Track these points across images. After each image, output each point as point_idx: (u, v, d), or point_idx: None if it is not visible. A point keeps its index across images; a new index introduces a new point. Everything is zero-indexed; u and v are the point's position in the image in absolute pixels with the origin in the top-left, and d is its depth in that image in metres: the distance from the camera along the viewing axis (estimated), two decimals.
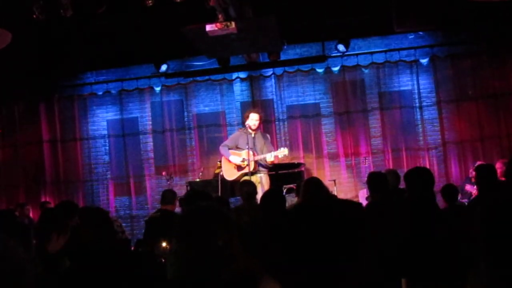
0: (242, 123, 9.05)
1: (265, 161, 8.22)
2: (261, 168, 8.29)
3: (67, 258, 3.49)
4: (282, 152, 8.03)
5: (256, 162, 8.14)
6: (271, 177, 8.42)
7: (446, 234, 3.89)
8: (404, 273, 3.67)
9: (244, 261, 2.07)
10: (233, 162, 8.25)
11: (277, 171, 8.58)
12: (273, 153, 8.03)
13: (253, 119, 8.21)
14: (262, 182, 8.13)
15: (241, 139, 8.27)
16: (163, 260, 4.44)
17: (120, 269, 3.04)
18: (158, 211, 6.61)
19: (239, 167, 8.26)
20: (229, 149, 8.39)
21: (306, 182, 5.11)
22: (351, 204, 2.15)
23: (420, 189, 4.14)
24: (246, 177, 7.86)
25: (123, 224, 8.83)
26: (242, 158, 8.10)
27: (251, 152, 8.05)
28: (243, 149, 8.14)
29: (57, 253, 3.47)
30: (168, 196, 6.58)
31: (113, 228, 3.69)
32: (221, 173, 8.57)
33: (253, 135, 8.22)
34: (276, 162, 8.37)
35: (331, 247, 1.64)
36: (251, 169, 8.04)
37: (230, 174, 8.38)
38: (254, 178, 7.80)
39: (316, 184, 4.96)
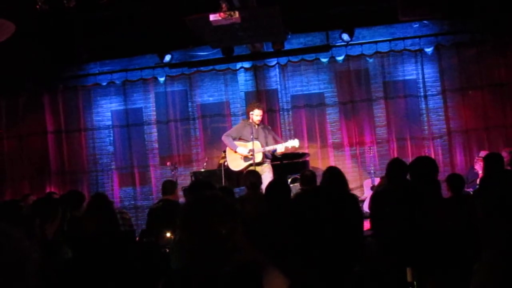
0: (247, 114, 9.05)
1: (272, 152, 8.28)
2: (266, 159, 8.33)
3: (69, 249, 3.50)
4: (292, 143, 8.10)
5: (263, 153, 8.19)
6: (276, 167, 8.45)
7: (449, 223, 3.88)
8: (409, 263, 3.66)
9: (248, 251, 2.06)
10: (240, 153, 8.28)
11: (281, 161, 8.59)
12: (284, 144, 8.12)
13: (258, 115, 8.33)
14: (267, 172, 8.16)
15: (246, 130, 8.32)
16: (167, 250, 4.45)
17: (123, 259, 3.04)
18: (160, 201, 6.64)
19: (245, 158, 8.29)
20: (233, 139, 8.41)
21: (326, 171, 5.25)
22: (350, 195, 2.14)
23: (424, 178, 4.13)
24: (251, 167, 7.88)
25: None
26: (249, 149, 8.13)
27: (258, 143, 8.11)
28: (248, 140, 8.18)
29: (54, 241, 3.48)
30: (167, 186, 6.64)
31: (116, 218, 3.69)
32: (225, 163, 8.59)
33: (256, 127, 8.29)
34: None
35: (336, 236, 1.63)
36: (259, 159, 8.09)
37: (236, 164, 8.40)
38: (259, 169, 7.83)
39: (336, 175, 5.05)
